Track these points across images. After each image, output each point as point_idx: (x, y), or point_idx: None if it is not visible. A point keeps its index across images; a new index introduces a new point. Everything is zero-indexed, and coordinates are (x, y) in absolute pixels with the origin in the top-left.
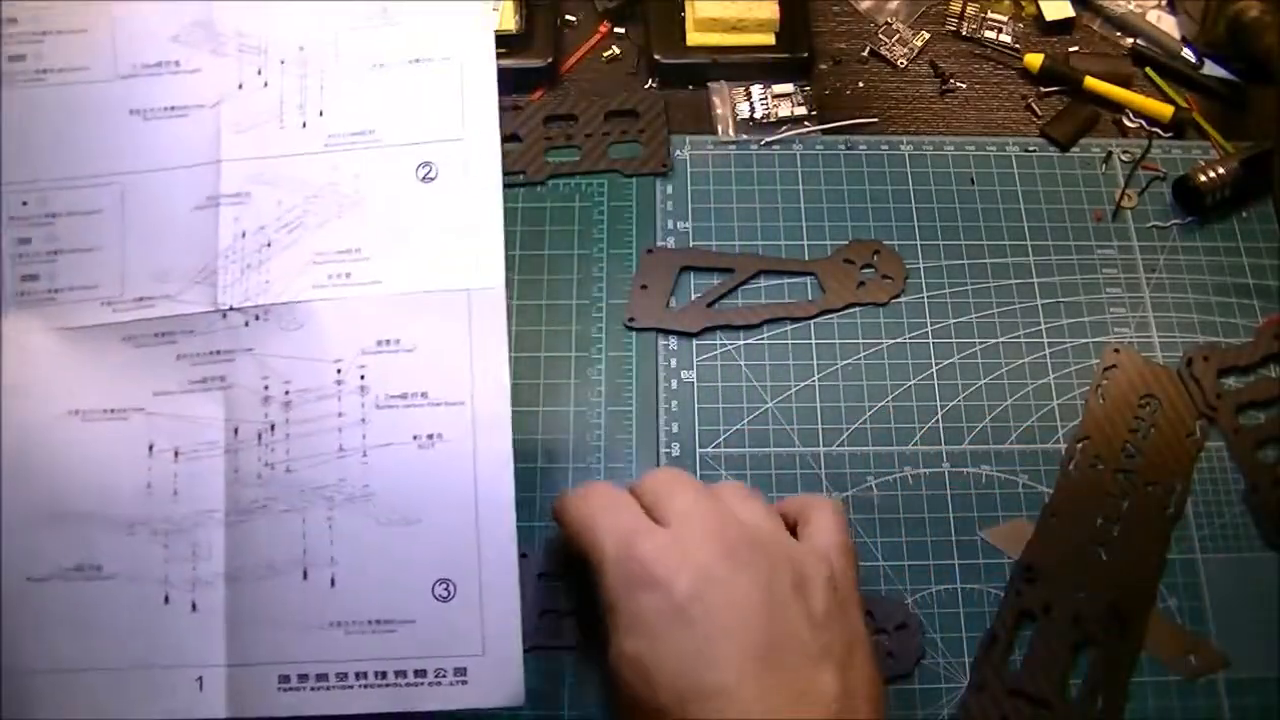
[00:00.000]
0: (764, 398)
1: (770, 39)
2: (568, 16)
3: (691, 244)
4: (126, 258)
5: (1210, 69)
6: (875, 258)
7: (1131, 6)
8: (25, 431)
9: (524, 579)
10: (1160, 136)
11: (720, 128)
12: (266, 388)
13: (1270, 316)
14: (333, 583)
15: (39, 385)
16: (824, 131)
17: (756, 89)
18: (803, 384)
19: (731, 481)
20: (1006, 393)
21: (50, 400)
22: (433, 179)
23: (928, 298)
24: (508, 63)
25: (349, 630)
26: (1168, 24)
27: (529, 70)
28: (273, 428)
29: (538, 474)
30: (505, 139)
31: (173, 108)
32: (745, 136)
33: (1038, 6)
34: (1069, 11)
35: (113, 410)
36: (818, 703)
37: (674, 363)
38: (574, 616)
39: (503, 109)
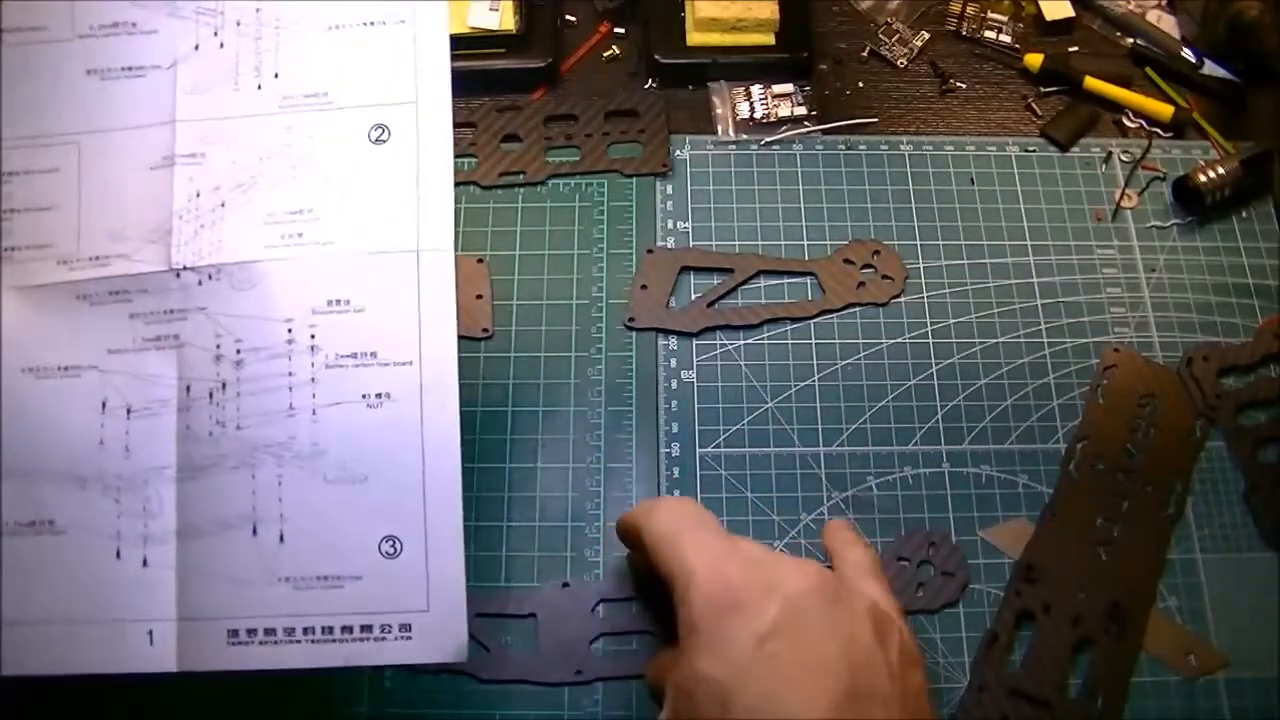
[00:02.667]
0: (764, 398)
1: (770, 39)
2: (568, 16)
3: (691, 244)
4: (82, 217)
5: (1210, 69)
6: (875, 258)
7: (1131, 6)
8: None
9: (575, 608)
10: (1160, 136)
11: (720, 128)
12: (219, 346)
13: (1270, 316)
14: (281, 539)
15: None
16: (824, 131)
17: (756, 89)
18: (803, 384)
19: None
20: (1006, 393)
21: (5, 358)
22: (385, 141)
23: (928, 298)
24: (508, 63)
25: (297, 585)
26: (1168, 24)
27: (529, 70)
28: (224, 386)
29: (537, 474)
30: (505, 139)
31: (129, 68)
32: (745, 136)
33: (1038, 6)
34: (1069, 11)
35: (66, 368)
36: None
37: (674, 363)
38: (637, 639)
39: (502, 109)
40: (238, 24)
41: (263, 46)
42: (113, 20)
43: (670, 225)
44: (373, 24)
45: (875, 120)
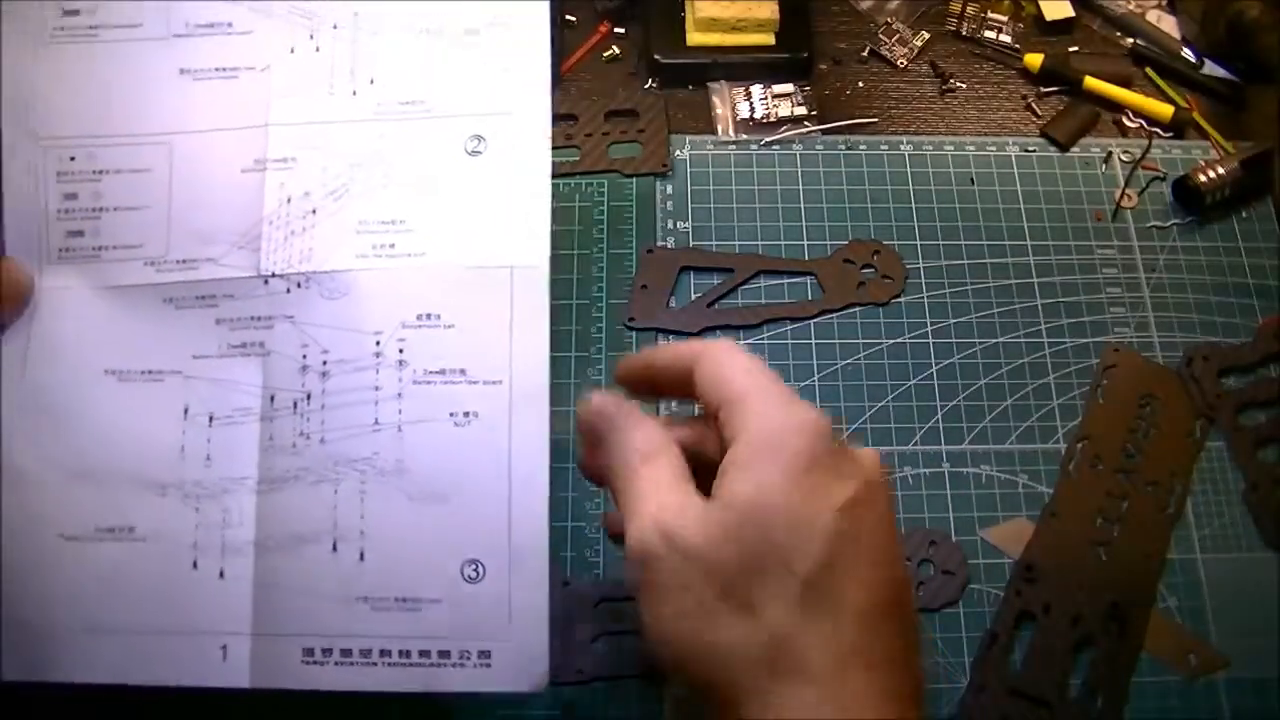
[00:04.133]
0: None
1: (770, 39)
2: (568, 16)
3: (691, 244)
4: (172, 218)
5: (1210, 69)
6: (875, 258)
7: (1131, 6)
8: (62, 389)
9: (575, 607)
10: (1160, 136)
11: (720, 128)
12: (305, 356)
13: (1270, 316)
14: (361, 556)
15: (77, 343)
16: (824, 131)
17: (756, 89)
18: (803, 384)
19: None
20: (1006, 393)
21: (88, 359)
22: (480, 153)
23: (928, 298)
24: None
25: (375, 606)
26: (1168, 24)
27: None
28: (309, 397)
29: None
30: None
31: (223, 69)
32: (745, 136)
33: (1038, 6)
34: (1069, 11)
35: (150, 371)
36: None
37: None
38: (638, 639)
39: None
40: (334, 27)
41: (359, 51)
42: (209, 20)
43: (670, 225)
44: (472, 31)
45: (875, 120)
